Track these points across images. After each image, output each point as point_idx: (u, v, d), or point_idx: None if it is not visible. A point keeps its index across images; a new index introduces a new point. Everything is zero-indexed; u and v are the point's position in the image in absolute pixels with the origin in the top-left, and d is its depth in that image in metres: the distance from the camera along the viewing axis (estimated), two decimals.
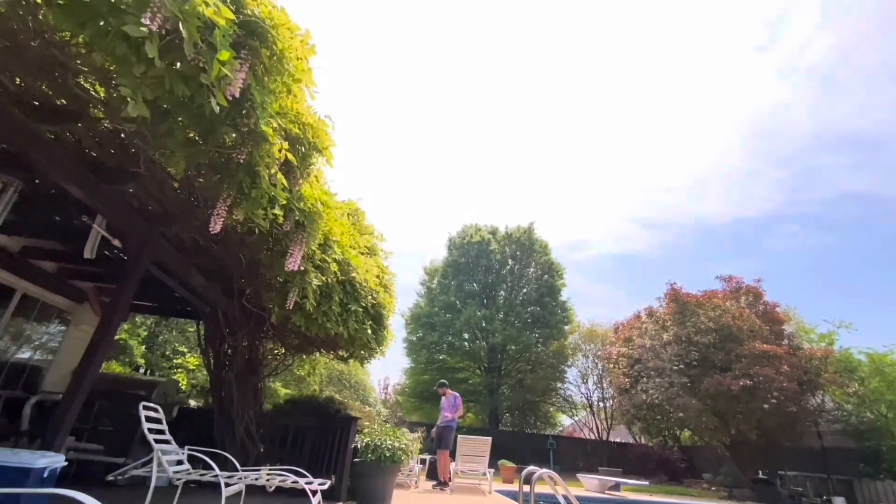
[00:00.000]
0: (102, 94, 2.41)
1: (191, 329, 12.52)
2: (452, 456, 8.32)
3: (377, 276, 5.16)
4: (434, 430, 8.30)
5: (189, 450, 3.85)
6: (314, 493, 3.65)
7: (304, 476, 3.81)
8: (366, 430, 5.77)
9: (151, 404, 3.69)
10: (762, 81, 30.67)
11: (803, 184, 36.00)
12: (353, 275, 4.46)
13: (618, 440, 21.73)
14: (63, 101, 2.57)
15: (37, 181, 3.48)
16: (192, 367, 12.24)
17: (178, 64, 1.75)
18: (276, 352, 6.36)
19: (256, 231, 3.18)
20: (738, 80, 32.93)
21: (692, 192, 40.89)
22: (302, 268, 3.40)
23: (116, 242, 3.74)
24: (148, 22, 1.54)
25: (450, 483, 7.78)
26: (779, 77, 29.63)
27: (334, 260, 3.96)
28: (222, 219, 2.46)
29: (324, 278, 3.88)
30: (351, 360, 6.60)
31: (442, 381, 8.87)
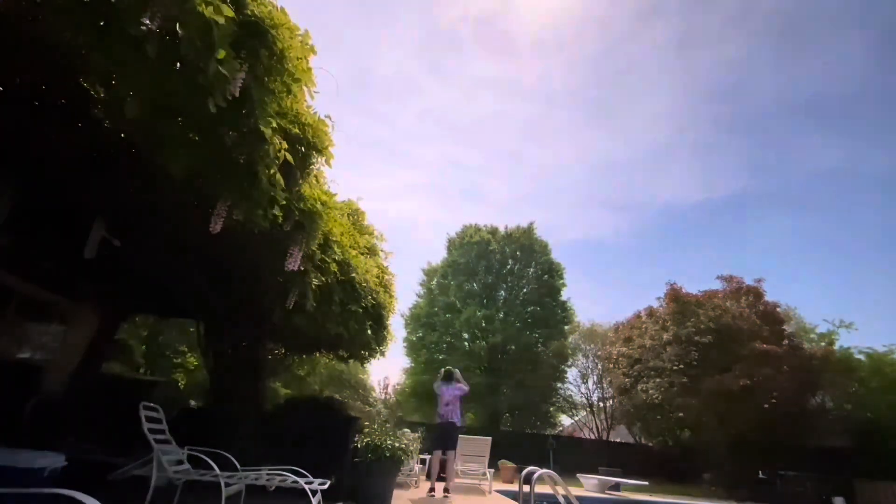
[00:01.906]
0: (102, 95, 2.41)
1: (191, 329, 12.52)
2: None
3: (377, 277, 5.17)
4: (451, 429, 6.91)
5: (189, 450, 3.85)
6: (314, 493, 3.65)
7: (304, 476, 3.81)
8: (366, 430, 5.77)
9: (151, 404, 3.69)
10: (711, 30, 26.45)
11: (771, 159, 32.73)
12: (353, 275, 4.47)
13: (618, 440, 21.73)
14: (63, 100, 2.57)
15: (37, 181, 3.48)
16: (191, 366, 12.25)
17: (178, 64, 1.75)
18: (276, 352, 6.36)
19: (256, 231, 3.18)
20: (685, 30, 28.30)
21: (653, 170, 36.87)
22: (302, 268, 3.40)
23: (117, 242, 3.74)
24: (148, 22, 1.55)
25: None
26: (731, 25, 25.85)
27: (334, 260, 3.96)
28: (222, 219, 2.46)
29: (324, 279, 3.88)
30: (351, 360, 6.61)
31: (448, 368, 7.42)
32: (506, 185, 41.52)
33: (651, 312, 17.91)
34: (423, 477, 9.23)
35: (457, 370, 7.38)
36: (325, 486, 3.80)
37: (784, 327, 15.28)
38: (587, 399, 23.37)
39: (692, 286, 16.62)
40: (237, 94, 1.93)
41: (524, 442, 18.93)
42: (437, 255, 25.02)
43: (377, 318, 5.27)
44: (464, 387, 7.21)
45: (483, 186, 40.93)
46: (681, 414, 14.29)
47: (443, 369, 7.32)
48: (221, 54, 1.78)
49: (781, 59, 27.54)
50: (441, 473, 7.19)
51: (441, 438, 6.83)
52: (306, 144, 2.73)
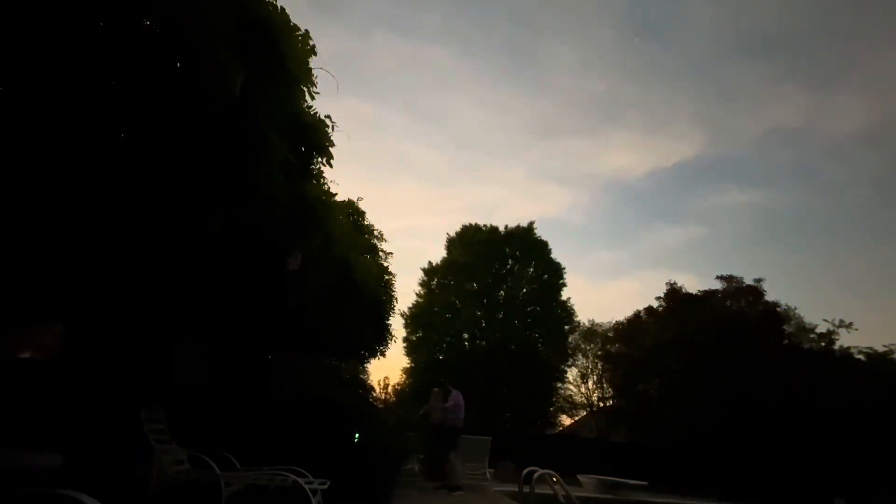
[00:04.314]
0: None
1: None
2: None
3: (377, 276, 5.17)
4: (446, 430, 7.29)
5: (190, 450, 3.85)
6: (314, 492, 3.65)
7: (304, 476, 3.81)
8: (366, 430, 5.78)
9: (151, 404, 3.69)
10: None
11: (721, 117, 27.78)
12: (353, 275, 4.47)
13: (618, 440, 21.73)
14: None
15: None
16: None
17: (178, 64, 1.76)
18: (277, 351, 6.37)
19: (256, 231, 3.18)
20: None
21: (596, 134, 31.34)
22: (302, 268, 3.40)
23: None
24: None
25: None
26: None
27: (334, 260, 3.96)
28: (223, 220, 2.46)
29: (324, 279, 3.88)
30: (351, 360, 6.62)
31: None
32: (432, 150, 34.98)
33: (651, 312, 17.93)
34: (423, 477, 9.22)
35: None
36: (326, 486, 3.80)
37: (784, 327, 15.30)
38: (587, 399, 23.38)
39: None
40: (238, 95, 1.93)
41: (524, 442, 18.94)
42: None
43: (377, 317, 5.28)
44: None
45: (407, 153, 34.18)
46: (681, 414, 14.29)
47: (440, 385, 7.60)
48: (224, 56, 1.78)
49: None
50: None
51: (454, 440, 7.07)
52: (307, 145, 2.73)
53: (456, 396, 7.38)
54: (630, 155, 32.65)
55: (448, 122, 34.93)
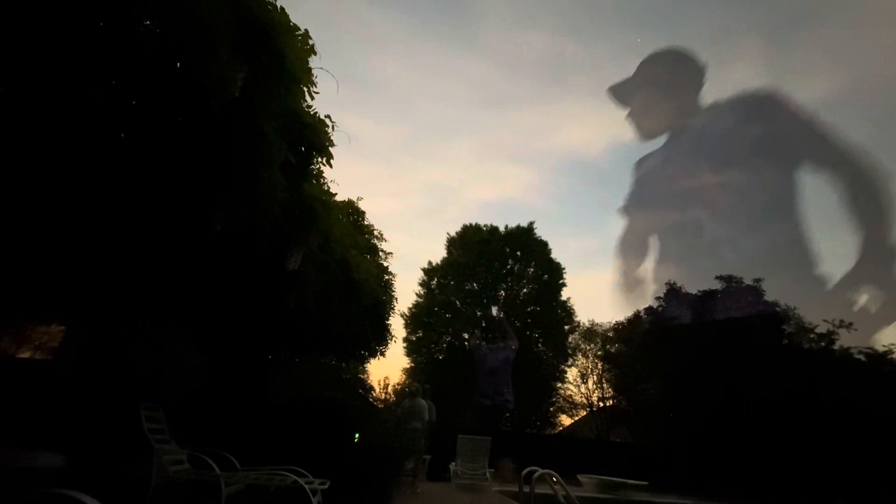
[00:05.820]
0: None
1: None
2: (453, 456, 8.28)
3: (377, 276, 5.17)
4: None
5: (190, 450, 3.85)
6: (314, 492, 3.65)
7: (304, 476, 3.81)
8: (366, 429, 5.78)
9: (151, 404, 3.69)
10: None
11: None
12: (353, 275, 4.47)
13: (618, 440, 21.74)
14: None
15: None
16: None
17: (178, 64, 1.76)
18: (276, 351, 6.37)
19: (256, 231, 3.18)
20: None
21: (547, 103, 27.49)
22: (302, 268, 3.40)
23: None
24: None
25: None
26: None
27: (334, 260, 3.96)
28: (222, 220, 2.46)
29: (324, 278, 3.88)
30: (351, 360, 6.62)
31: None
32: (373, 124, 29.86)
33: (651, 312, 17.93)
34: (423, 476, 9.21)
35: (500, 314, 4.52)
36: (326, 486, 3.80)
37: (783, 327, 15.31)
38: (587, 399, 23.38)
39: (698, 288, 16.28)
40: (237, 95, 1.93)
41: (524, 442, 18.94)
42: None
43: (377, 317, 5.28)
44: (514, 344, 4.73)
45: (348, 126, 32.04)
46: (682, 414, 14.30)
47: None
48: (224, 56, 1.78)
49: None
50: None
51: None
52: (306, 144, 2.73)
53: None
54: (586, 129, 29.82)
55: (386, 90, 30.98)
